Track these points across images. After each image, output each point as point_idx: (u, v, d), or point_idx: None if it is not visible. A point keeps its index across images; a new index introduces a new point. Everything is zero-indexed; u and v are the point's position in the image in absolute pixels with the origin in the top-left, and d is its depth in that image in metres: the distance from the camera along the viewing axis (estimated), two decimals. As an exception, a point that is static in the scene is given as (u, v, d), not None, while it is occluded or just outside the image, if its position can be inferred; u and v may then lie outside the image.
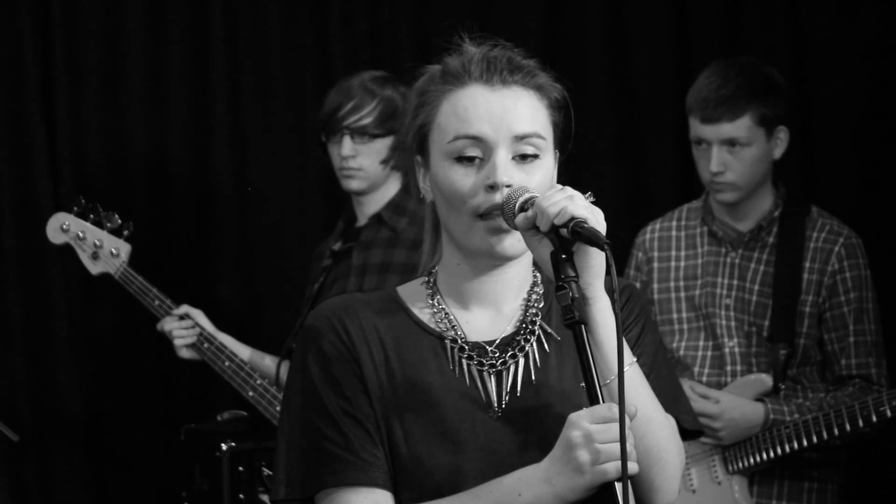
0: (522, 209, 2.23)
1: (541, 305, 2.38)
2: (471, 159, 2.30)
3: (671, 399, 2.36)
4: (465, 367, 2.33)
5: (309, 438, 2.30)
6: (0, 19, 4.99)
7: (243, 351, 4.48)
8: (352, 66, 4.98)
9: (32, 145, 5.01)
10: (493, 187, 2.27)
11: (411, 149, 2.40)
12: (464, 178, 2.29)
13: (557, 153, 2.37)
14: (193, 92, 5.17)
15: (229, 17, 5.17)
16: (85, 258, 4.59)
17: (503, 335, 2.36)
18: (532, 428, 2.29)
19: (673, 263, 4.32)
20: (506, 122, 2.29)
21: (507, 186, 2.26)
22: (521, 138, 2.30)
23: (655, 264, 4.34)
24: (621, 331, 2.12)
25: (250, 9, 5.18)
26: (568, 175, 2.38)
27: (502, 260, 2.33)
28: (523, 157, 2.30)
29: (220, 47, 5.15)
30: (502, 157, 2.29)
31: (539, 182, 2.29)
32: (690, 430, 2.42)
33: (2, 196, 5.00)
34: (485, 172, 2.29)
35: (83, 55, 5.09)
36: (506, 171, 2.28)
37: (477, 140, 2.30)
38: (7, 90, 5.00)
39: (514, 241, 2.29)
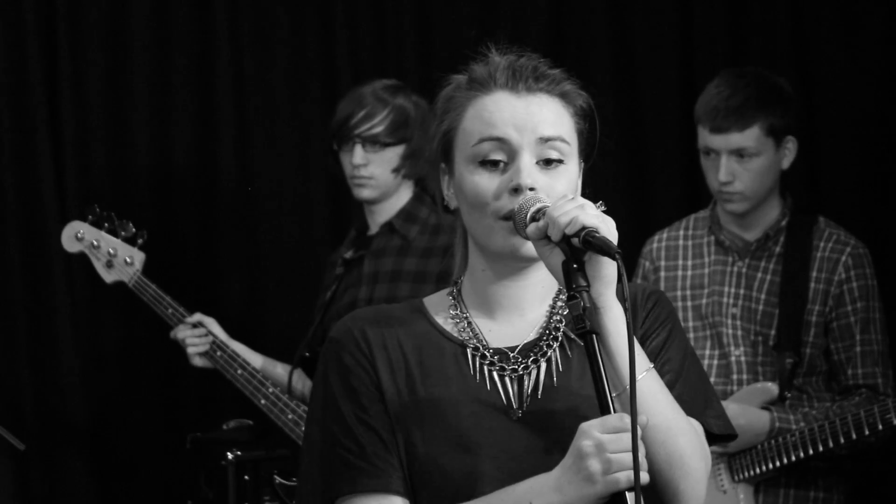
0: (534, 219, 2.23)
1: (565, 312, 2.38)
2: (495, 163, 2.31)
3: (700, 404, 2.36)
4: (485, 372, 2.33)
5: (327, 447, 2.33)
6: (5, 31, 5.00)
7: (256, 359, 4.48)
8: (357, 75, 5.00)
9: (38, 155, 5.02)
10: (517, 190, 2.28)
11: (436, 155, 2.41)
12: (488, 182, 2.31)
13: (582, 163, 2.39)
14: (199, 100, 5.17)
15: (234, 26, 5.17)
16: (99, 267, 4.60)
17: (526, 341, 2.37)
18: (553, 430, 2.29)
19: (680, 272, 4.33)
20: (530, 125, 2.31)
21: (531, 189, 2.27)
22: (545, 141, 2.31)
23: (662, 273, 4.34)
24: (633, 339, 2.12)
25: (255, 17, 5.18)
26: (588, 188, 2.39)
27: (525, 261, 2.33)
28: (548, 163, 2.31)
29: (226, 55, 5.15)
30: (527, 160, 2.30)
31: (563, 188, 2.30)
32: (720, 434, 2.41)
33: (8, 205, 5.01)
34: (509, 175, 2.30)
35: (88, 65, 5.10)
36: (530, 174, 2.29)
37: (501, 142, 2.31)
38: (12, 100, 5.02)
39: None
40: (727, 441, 2.45)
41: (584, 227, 2.16)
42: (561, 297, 2.39)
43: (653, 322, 2.38)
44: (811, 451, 4.01)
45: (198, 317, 4.50)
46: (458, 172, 2.36)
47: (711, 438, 2.37)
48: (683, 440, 2.26)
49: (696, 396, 2.35)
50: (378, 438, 2.30)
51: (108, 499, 5.12)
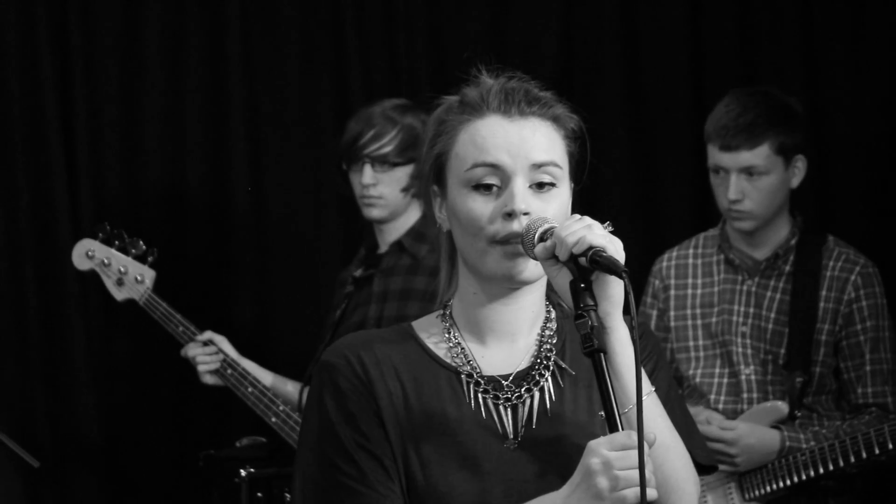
0: (542, 239, 2.25)
1: (554, 341, 2.40)
2: (488, 187, 2.32)
3: (685, 435, 2.37)
4: (480, 399, 2.34)
5: (325, 473, 2.32)
6: (20, 48, 5.02)
7: (266, 377, 4.49)
8: (368, 92, 5.01)
9: (52, 172, 5.03)
10: (510, 215, 2.29)
11: (428, 178, 2.42)
12: (482, 206, 2.32)
13: (572, 184, 2.40)
14: (211, 118, 5.18)
15: (246, 44, 5.18)
16: (110, 284, 4.61)
17: (518, 369, 2.38)
18: (549, 458, 2.30)
19: (689, 291, 4.33)
20: (524, 150, 2.32)
21: (525, 214, 2.29)
22: (538, 167, 2.32)
23: (672, 292, 4.35)
24: (640, 358, 2.14)
25: (267, 34, 5.19)
26: (583, 204, 2.40)
27: (518, 284, 2.34)
28: (540, 186, 2.32)
29: (238, 73, 5.16)
30: (520, 185, 2.31)
31: (556, 211, 2.31)
32: (704, 465, 2.43)
33: (22, 222, 5.02)
34: (502, 200, 2.31)
35: (102, 82, 5.11)
36: (524, 199, 2.30)
37: (495, 168, 2.32)
38: (26, 118, 5.03)
39: (530, 266, 2.31)
40: (709, 473, 2.47)
41: (591, 247, 2.17)
42: (549, 325, 2.41)
43: (641, 350, 2.37)
44: (821, 470, 4.01)
45: (208, 334, 4.51)
46: (451, 196, 2.37)
47: (696, 469, 2.38)
48: (680, 464, 2.29)
49: (681, 427, 2.36)
50: (379, 465, 2.30)
51: (121, 515, 5.13)
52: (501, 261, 2.31)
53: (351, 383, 2.34)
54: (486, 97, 2.37)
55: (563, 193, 2.35)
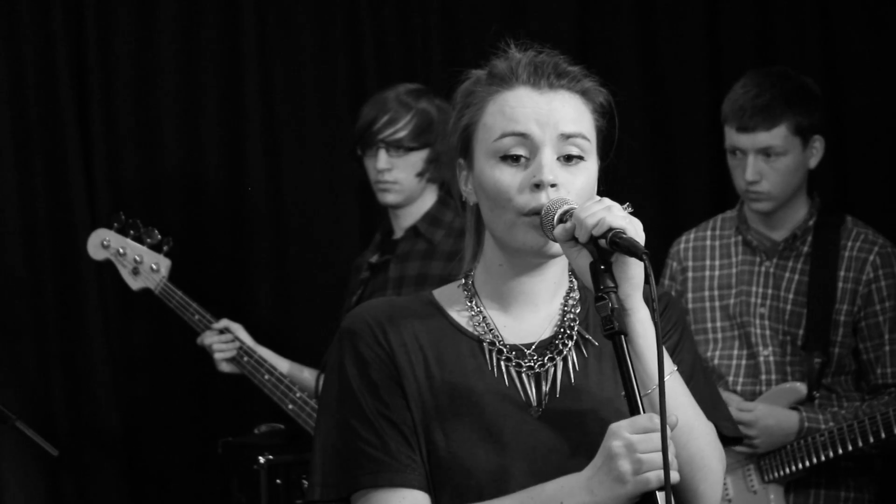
0: (561, 220, 2.24)
1: (577, 311, 2.40)
2: (516, 158, 2.31)
3: (710, 407, 2.37)
4: (503, 368, 2.34)
5: (345, 440, 2.32)
6: (35, 37, 5.03)
7: (282, 364, 4.50)
8: (384, 78, 5.01)
9: (68, 162, 5.04)
10: (538, 186, 2.28)
11: (455, 150, 2.42)
12: (510, 177, 2.31)
13: (599, 161, 2.38)
14: (227, 107, 5.19)
15: (261, 32, 5.19)
16: (125, 274, 4.62)
17: (541, 338, 2.37)
18: (573, 430, 2.30)
19: (707, 273, 4.33)
20: (552, 121, 2.31)
21: (553, 186, 2.28)
22: (567, 137, 2.31)
23: (690, 273, 4.34)
24: (661, 340, 2.13)
25: (282, 22, 5.20)
26: (603, 185, 2.39)
27: (546, 257, 2.34)
28: (568, 159, 2.31)
29: (253, 61, 5.17)
30: (548, 155, 2.30)
31: (582, 185, 2.31)
32: (730, 436, 2.43)
33: (39, 212, 5.04)
34: (531, 171, 2.30)
35: (117, 73, 5.12)
36: (552, 169, 2.29)
37: (524, 138, 2.31)
38: (42, 109, 5.04)
39: None
40: (734, 444, 2.47)
41: (611, 229, 2.16)
42: (572, 294, 2.40)
43: (665, 323, 2.40)
44: (840, 451, 4.01)
45: (224, 322, 4.52)
46: (479, 167, 2.36)
47: (722, 441, 2.38)
48: (704, 442, 2.28)
49: (706, 399, 2.36)
50: (400, 433, 2.30)
51: (139, 503, 5.14)
52: (529, 232, 2.29)
53: (373, 351, 2.34)
54: (515, 69, 2.36)
55: (590, 167, 2.34)
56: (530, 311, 2.38)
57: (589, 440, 2.24)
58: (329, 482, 2.32)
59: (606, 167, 2.40)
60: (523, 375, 2.34)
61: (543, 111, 2.32)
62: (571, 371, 2.35)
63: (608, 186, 2.38)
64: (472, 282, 2.42)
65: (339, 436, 2.32)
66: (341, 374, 2.34)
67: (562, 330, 2.38)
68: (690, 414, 2.26)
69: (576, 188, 2.29)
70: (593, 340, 2.37)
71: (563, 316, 2.39)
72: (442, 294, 2.44)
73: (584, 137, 2.33)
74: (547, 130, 2.31)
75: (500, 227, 2.33)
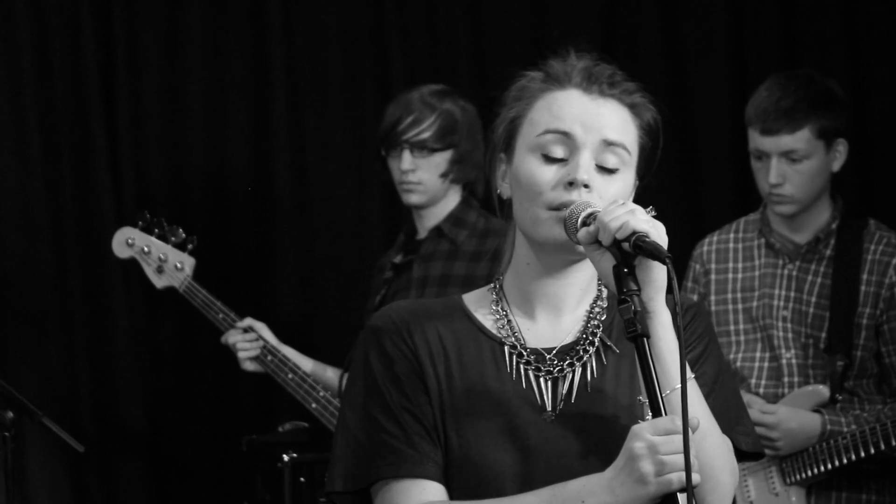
0: (584, 224, 2.25)
1: (603, 318, 2.40)
2: (555, 159, 2.33)
3: (733, 419, 2.38)
4: (521, 371, 2.36)
5: (368, 432, 2.34)
6: (63, 36, 5.05)
7: (306, 363, 4.50)
8: (409, 78, 5.02)
9: (95, 160, 5.06)
10: (572, 184, 2.30)
11: (498, 143, 2.43)
12: (545, 173, 2.32)
13: (637, 180, 2.40)
14: (253, 106, 5.20)
15: (288, 31, 5.20)
16: (150, 272, 4.64)
17: (563, 343, 2.39)
18: (586, 434, 2.31)
19: (730, 275, 4.33)
20: (597, 125, 2.33)
21: (586, 186, 2.29)
22: (608, 144, 2.33)
23: (713, 276, 4.35)
24: (683, 343, 2.15)
25: (309, 23, 5.21)
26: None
27: (571, 254, 2.34)
28: (605, 169, 2.33)
29: (280, 60, 5.18)
30: (586, 157, 2.31)
31: (615, 194, 2.32)
32: (749, 451, 2.42)
33: (65, 210, 5.06)
34: (566, 170, 2.31)
35: (144, 71, 5.14)
36: (587, 170, 2.30)
37: (566, 137, 2.33)
38: (70, 108, 5.06)
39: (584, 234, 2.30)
40: (755, 459, 2.46)
41: (634, 232, 2.17)
42: (599, 302, 2.41)
43: (690, 335, 2.39)
44: (863, 454, 4.01)
45: (248, 321, 4.53)
46: (517, 161, 2.37)
47: (740, 456, 2.38)
48: (716, 453, 2.28)
49: (727, 412, 2.37)
50: (422, 427, 2.32)
51: (164, 500, 5.15)
52: (554, 227, 2.30)
53: (398, 348, 2.36)
54: (570, 72, 2.38)
55: (626, 179, 2.35)
56: (555, 315, 2.40)
57: (602, 445, 2.26)
58: (351, 473, 2.35)
59: (643, 187, 2.42)
60: (541, 379, 2.35)
61: (590, 114, 2.34)
62: (589, 376, 2.36)
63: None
64: (501, 286, 2.44)
65: (363, 428, 2.35)
66: (366, 368, 2.37)
67: (584, 336, 2.39)
68: (704, 423, 2.25)
69: (608, 196, 2.31)
70: (615, 348, 2.38)
71: (588, 322, 2.40)
72: (470, 297, 2.46)
73: (625, 148, 2.34)
74: (590, 133, 2.33)
75: (528, 220, 2.34)
